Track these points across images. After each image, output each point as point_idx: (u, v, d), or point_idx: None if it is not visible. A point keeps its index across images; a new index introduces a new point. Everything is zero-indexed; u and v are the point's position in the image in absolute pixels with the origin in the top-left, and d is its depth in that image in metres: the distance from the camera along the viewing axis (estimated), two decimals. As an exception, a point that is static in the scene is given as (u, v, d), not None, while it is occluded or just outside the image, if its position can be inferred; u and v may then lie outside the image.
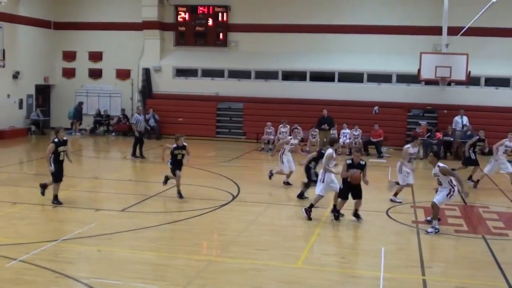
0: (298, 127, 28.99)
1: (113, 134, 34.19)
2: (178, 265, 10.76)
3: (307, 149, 28.16)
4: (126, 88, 35.36)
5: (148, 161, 24.54)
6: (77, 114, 34.31)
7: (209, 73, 34.37)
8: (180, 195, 16.29)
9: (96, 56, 35.91)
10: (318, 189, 14.80)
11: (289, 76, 33.76)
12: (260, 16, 33.46)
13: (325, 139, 27.01)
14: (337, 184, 14.69)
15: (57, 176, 15.28)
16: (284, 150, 18.82)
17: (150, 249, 11.68)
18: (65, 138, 15.61)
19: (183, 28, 34.70)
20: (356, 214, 14.46)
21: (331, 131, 28.12)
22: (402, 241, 13.05)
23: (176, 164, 16.52)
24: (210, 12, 34.29)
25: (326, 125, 28.03)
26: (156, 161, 24.28)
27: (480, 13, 26.33)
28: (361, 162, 14.23)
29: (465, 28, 28.15)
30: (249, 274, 10.33)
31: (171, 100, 33.50)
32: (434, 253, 12.13)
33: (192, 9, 34.47)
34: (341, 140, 28.25)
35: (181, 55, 34.80)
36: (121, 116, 34.58)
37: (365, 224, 14.39)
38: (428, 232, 13.27)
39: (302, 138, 28.80)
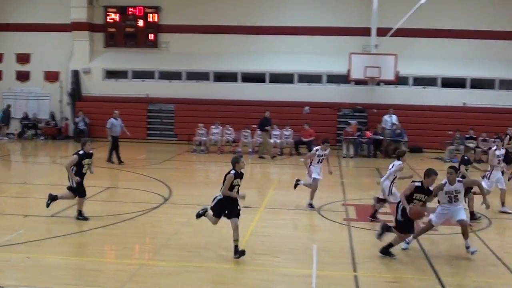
0: (230, 128, 29.14)
1: (42, 138, 33.50)
2: (110, 270, 10.59)
3: (239, 150, 28.27)
4: (55, 90, 34.72)
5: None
6: (5, 117, 33.48)
7: (139, 74, 34.08)
8: (238, 252, 11.32)
9: (23, 58, 35.10)
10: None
11: (220, 77, 33.78)
12: (191, 17, 33.36)
13: (268, 140, 27.37)
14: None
15: (81, 191, 14.22)
16: (311, 162, 16.56)
17: (81, 255, 11.48)
18: (91, 151, 14.70)
19: (113, 29, 34.25)
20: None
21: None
22: (334, 238, 13.17)
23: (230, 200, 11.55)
24: (140, 13, 33.95)
25: (270, 126, 28.03)
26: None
27: (408, 14, 26.96)
28: (430, 188, 11.73)
29: (393, 29, 28.78)
30: (182, 276, 10.26)
31: (101, 102, 32.93)
32: (365, 250, 12.27)
33: (122, 10, 34.06)
34: (271, 140, 28.41)
35: (111, 57, 34.37)
36: (49, 119, 33.94)
37: (297, 222, 14.50)
38: (473, 252, 11.85)
39: (234, 139, 28.95)
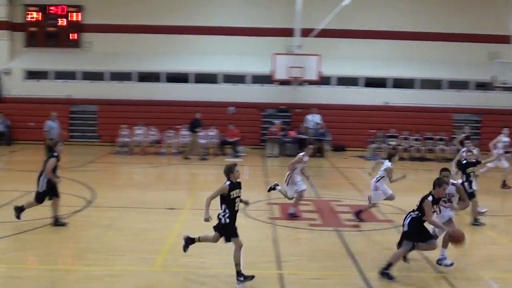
0: (154, 129, 28.93)
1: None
2: (32, 276, 10.35)
3: (163, 151, 28.12)
4: (-27, 92, 33.66)
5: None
6: None
7: (61, 75, 33.40)
8: (243, 278, 10.21)
9: None
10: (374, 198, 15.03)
11: (144, 77, 33.48)
12: (115, 16, 32.90)
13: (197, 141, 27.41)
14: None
15: (42, 196, 13.77)
16: (295, 170, 15.47)
17: (1, 262, 11.17)
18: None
19: (34, 29, 33.40)
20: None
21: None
22: (259, 237, 13.27)
23: (234, 219, 10.47)
24: (63, 12, 33.25)
25: (200, 127, 27.82)
26: (6, 168, 23.36)
27: (331, 15, 27.36)
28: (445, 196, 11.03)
29: (316, 30, 29.18)
30: (106, 281, 10.14)
31: (22, 103, 32.17)
32: (290, 248, 12.43)
33: (43, 9, 33.22)
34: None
35: (32, 57, 33.54)
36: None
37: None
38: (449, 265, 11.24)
39: (158, 140, 28.76)
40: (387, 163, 14.85)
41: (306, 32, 29.82)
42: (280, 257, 11.59)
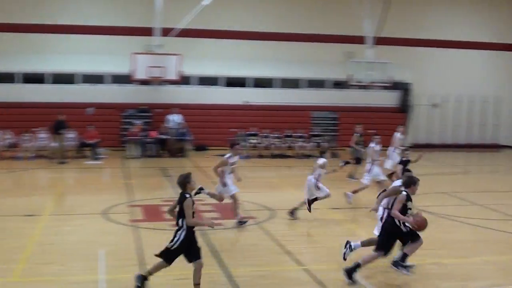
0: (10, 132, 27.86)
1: None
2: None
3: (20, 155, 27.15)
4: None
5: None
6: None
7: None
8: None
9: None
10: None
11: (-3, 78, 31.98)
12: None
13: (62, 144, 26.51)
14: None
15: None
16: (224, 173, 14.46)
17: None
18: None
19: None
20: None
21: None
22: (121, 241, 13.08)
23: (193, 235, 9.63)
24: None
25: (65, 129, 26.87)
26: None
27: (192, 15, 27.53)
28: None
29: (176, 30, 29.22)
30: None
31: None
32: (153, 250, 12.33)
33: None
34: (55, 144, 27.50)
35: None
36: None
37: (82, 228, 14.21)
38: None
39: (13, 144, 27.72)
40: (322, 159, 15.23)
41: (166, 32, 29.76)
42: (144, 260, 11.47)
